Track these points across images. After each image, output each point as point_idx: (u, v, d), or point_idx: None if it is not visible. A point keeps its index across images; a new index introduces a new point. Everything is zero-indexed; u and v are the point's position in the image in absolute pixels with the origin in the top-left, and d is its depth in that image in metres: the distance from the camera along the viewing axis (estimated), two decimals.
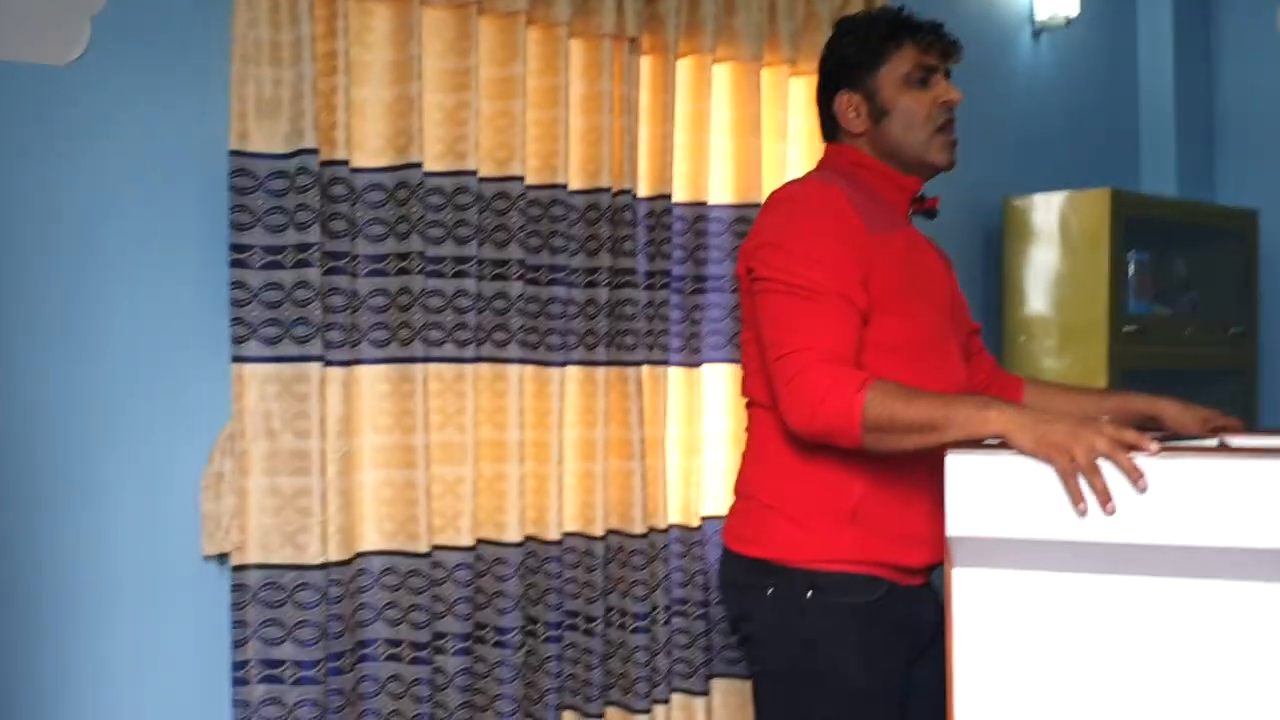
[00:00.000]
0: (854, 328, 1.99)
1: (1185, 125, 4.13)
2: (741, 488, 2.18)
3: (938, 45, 2.16)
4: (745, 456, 2.20)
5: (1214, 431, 2.16)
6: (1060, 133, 3.86)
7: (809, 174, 2.24)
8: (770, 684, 2.10)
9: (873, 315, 2.03)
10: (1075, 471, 1.65)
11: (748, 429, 2.21)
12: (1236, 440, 2.09)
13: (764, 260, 2.04)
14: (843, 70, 2.18)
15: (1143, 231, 3.46)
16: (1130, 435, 1.66)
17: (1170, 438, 2.17)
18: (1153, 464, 1.63)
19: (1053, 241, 3.39)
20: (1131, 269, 3.46)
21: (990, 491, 1.69)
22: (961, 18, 3.51)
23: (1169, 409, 2.20)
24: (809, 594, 2.02)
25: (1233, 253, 3.80)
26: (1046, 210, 3.41)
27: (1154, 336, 3.43)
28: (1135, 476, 1.63)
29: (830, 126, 2.23)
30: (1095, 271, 3.31)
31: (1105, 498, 1.64)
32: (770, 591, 2.06)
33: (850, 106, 2.17)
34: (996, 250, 3.53)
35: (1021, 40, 3.76)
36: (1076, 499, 1.65)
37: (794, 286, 1.98)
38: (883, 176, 2.16)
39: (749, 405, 2.20)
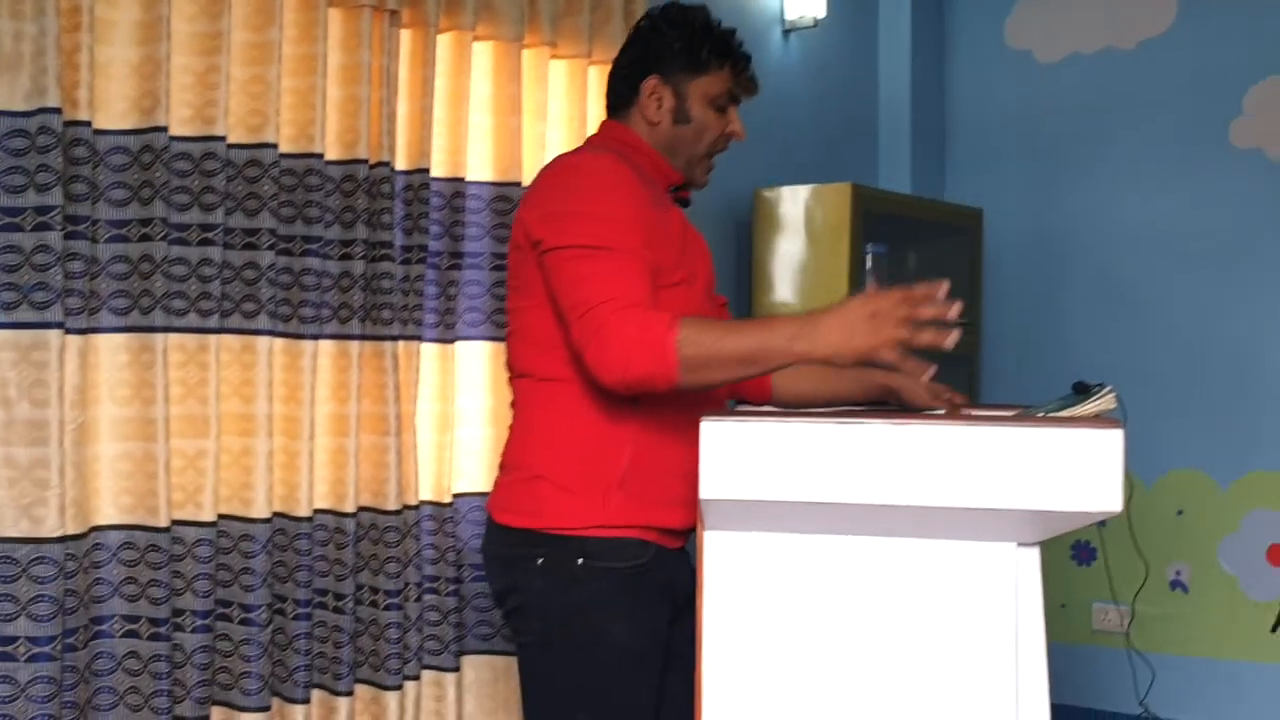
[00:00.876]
0: (647, 280, 1.99)
1: (920, 127, 4.37)
2: (509, 460, 2.19)
3: (749, 81, 2.25)
4: (513, 429, 2.20)
5: (946, 405, 2.30)
6: (807, 129, 4.01)
7: (586, 148, 2.26)
8: (538, 654, 2.11)
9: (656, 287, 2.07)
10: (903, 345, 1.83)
11: (514, 403, 2.21)
12: (963, 412, 2.23)
13: (555, 229, 2.03)
14: (661, 58, 2.20)
15: (879, 225, 3.64)
16: (901, 303, 1.82)
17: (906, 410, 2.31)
18: (894, 430, 1.73)
19: (798, 232, 3.54)
20: (869, 259, 3.63)
21: (742, 455, 1.75)
22: (717, 14, 3.61)
23: (905, 383, 2.33)
24: (580, 561, 2.05)
25: (960, 248, 4.04)
26: (793, 202, 3.55)
27: None
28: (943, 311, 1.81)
29: (623, 101, 2.25)
30: (836, 261, 3.47)
31: (941, 336, 1.82)
32: (540, 561, 2.07)
33: (656, 95, 2.20)
34: (747, 239, 3.65)
35: (772, 39, 3.90)
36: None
37: (587, 247, 1.98)
38: (654, 163, 2.21)
39: (516, 378, 2.20)
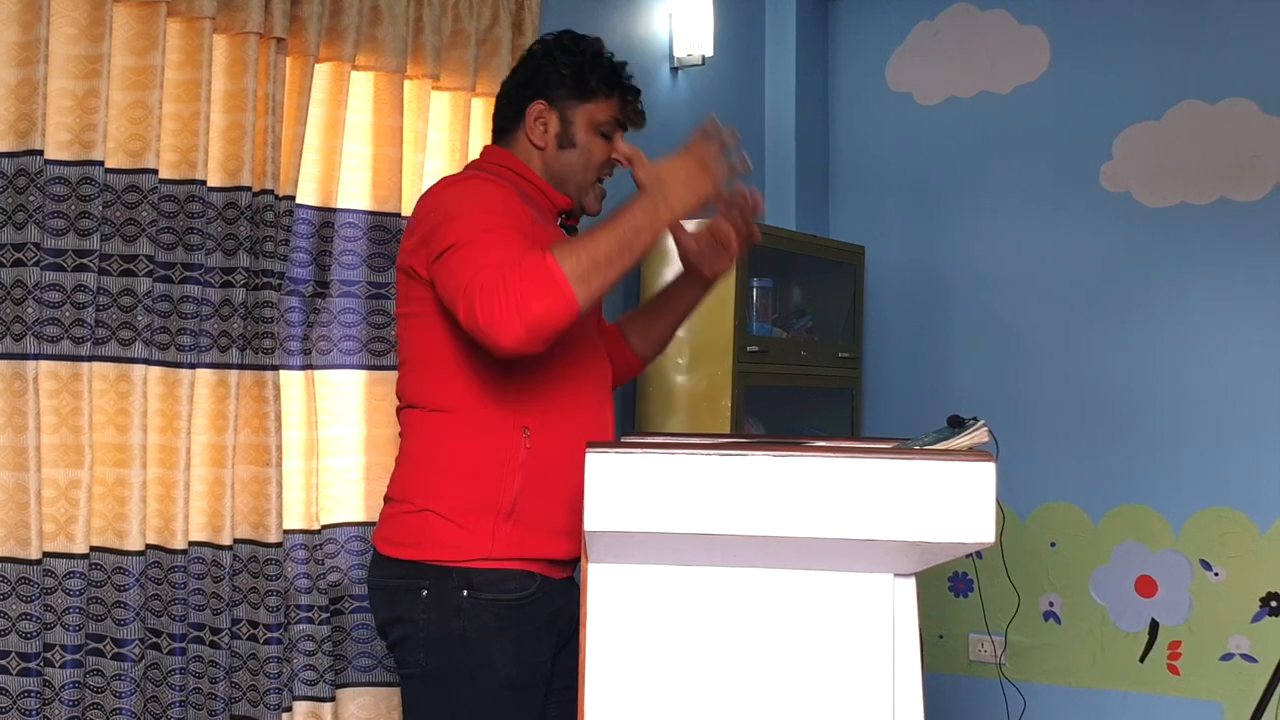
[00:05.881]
0: (524, 245, 1.95)
1: (804, 165, 4.44)
2: (395, 492, 2.17)
3: (636, 113, 2.27)
4: (400, 461, 2.19)
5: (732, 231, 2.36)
6: None
7: (463, 173, 2.26)
8: (423, 685, 2.10)
9: None
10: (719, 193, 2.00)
11: (401, 434, 2.20)
12: (844, 442, 2.26)
13: (433, 242, 2.02)
14: (549, 83, 2.21)
15: (765, 260, 3.70)
16: (714, 145, 2.00)
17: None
18: (774, 462, 1.75)
19: None
20: (755, 294, 3.69)
21: (626, 487, 1.77)
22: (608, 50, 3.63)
23: (695, 252, 2.40)
24: (464, 593, 2.04)
25: (842, 283, 4.11)
26: None
27: (774, 357, 3.66)
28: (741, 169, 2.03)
29: (509, 125, 2.26)
30: (723, 295, 3.49)
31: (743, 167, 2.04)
32: (425, 593, 2.06)
33: (542, 120, 2.21)
34: (636, 271, 3.67)
35: (661, 76, 3.94)
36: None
37: (463, 241, 1.96)
38: (539, 188, 2.22)
39: (404, 408, 2.19)
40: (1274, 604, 3.88)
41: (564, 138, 2.22)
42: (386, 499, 2.20)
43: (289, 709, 2.60)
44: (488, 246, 1.93)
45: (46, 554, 2.24)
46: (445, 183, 2.18)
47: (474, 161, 2.32)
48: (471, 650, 2.04)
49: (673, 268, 3.55)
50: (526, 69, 2.26)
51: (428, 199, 2.14)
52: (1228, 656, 3.93)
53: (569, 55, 2.23)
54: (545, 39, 2.28)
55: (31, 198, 2.20)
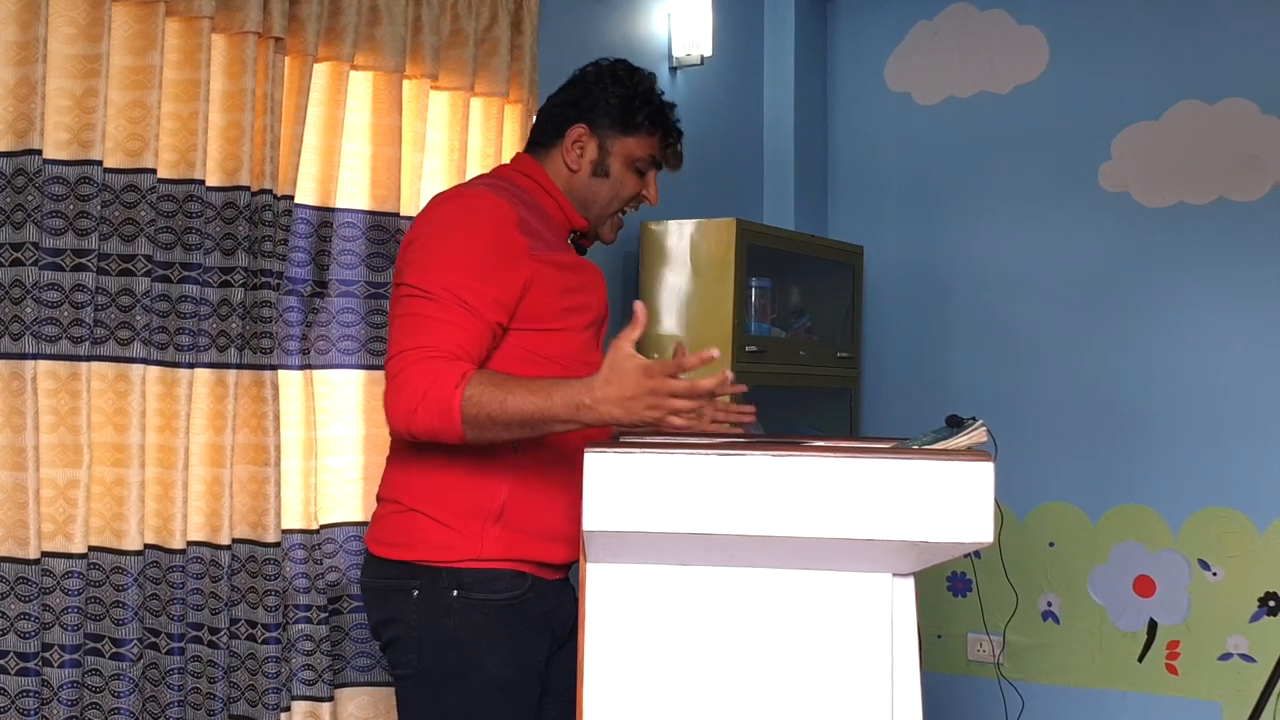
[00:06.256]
0: (474, 336, 1.98)
1: (803, 165, 4.44)
2: (385, 493, 2.17)
3: (675, 155, 2.28)
4: (390, 462, 2.19)
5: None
6: (693, 164, 4.02)
7: (484, 180, 2.26)
8: (415, 685, 2.10)
9: (528, 330, 2.07)
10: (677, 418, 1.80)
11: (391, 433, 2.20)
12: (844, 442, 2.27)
13: (408, 265, 2.04)
14: (595, 109, 2.21)
15: (763, 259, 3.70)
16: (677, 390, 1.79)
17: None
18: (773, 462, 1.75)
19: (684, 265, 3.57)
20: (753, 294, 3.69)
21: (625, 487, 1.77)
22: (605, 50, 3.65)
23: None
24: (455, 593, 2.04)
25: (841, 283, 4.11)
26: (679, 236, 3.58)
27: (772, 356, 3.66)
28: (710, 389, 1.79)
29: (547, 140, 2.25)
30: (721, 295, 3.50)
31: (706, 393, 1.80)
32: (416, 593, 2.06)
33: (579, 144, 2.21)
34: (634, 271, 3.67)
35: (660, 76, 3.92)
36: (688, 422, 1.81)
37: (425, 292, 1.98)
38: (558, 205, 2.22)
39: None
40: (1272, 604, 3.88)
41: (599, 166, 2.22)
42: (378, 499, 2.21)
43: (287, 709, 2.60)
44: (434, 319, 1.95)
45: (45, 554, 2.24)
46: (455, 194, 2.17)
47: (499, 168, 2.32)
48: (462, 650, 2.04)
49: (673, 267, 3.56)
50: (575, 90, 2.25)
51: (428, 209, 2.13)
52: (1226, 656, 3.93)
53: (620, 86, 2.22)
54: (600, 63, 2.28)
55: (30, 197, 2.20)
